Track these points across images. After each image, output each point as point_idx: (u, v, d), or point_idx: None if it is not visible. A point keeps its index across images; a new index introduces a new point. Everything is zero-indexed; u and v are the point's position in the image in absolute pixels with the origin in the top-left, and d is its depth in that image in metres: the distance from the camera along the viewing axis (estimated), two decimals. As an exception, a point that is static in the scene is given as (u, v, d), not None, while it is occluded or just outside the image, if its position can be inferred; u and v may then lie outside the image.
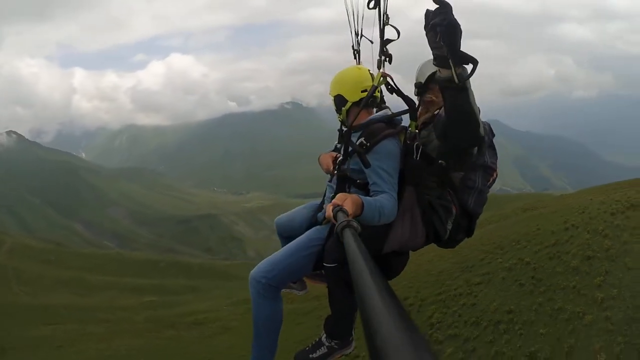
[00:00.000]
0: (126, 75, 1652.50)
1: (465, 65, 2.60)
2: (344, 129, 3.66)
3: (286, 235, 4.19)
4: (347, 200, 2.76)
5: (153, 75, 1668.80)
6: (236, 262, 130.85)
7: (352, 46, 4.09)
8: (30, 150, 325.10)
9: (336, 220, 2.40)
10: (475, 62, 2.56)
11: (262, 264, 3.57)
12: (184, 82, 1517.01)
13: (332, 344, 3.80)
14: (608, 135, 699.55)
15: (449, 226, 3.43)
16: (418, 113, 3.53)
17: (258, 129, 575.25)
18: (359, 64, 4.06)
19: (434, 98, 3.64)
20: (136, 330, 33.43)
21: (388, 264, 3.58)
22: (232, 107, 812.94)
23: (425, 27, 2.52)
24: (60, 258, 63.34)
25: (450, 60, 2.55)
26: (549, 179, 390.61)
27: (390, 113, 3.59)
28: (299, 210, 4.19)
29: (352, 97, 3.53)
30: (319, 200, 4.04)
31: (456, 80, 2.60)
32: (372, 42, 3.63)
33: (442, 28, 2.41)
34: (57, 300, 39.28)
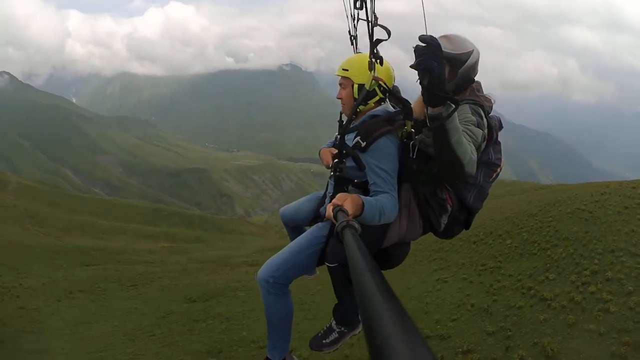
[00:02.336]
0: (123, 21, 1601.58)
1: (452, 105, 2.57)
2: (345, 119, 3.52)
3: (292, 225, 4.32)
4: (347, 200, 2.80)
5: (151, 23, 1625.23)
6: (233, 217, 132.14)
7: (349, 31, 3.78)
8: (23, 92, 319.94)
9: (336, 220, 2.43)
10: (456, 104, 2.56)
11: (268, 264, 3.67)
12: (182, 33, 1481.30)
13: (342, 329, 4.00)
14: (600, 143, 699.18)
15: (444, 220, 3.42)
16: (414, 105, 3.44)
17: (254, 88, 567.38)
18: (356, 50, 3.88)
19: None
20: (196, 269, 33.52)
21: (388, 255, 3.64)
22: (230, 63, 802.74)
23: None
24: (65, 201, 64.42)
25: (425, 102, 2.55)
26: (536, 174, 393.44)
27: (389, 108, 3.50)
28: (302, 202, 4.23)
29: (371, 88, 3.35)
30: (321, 192, 4.05)
31: (427, 122, 2.66)
32: (367, 21, 3.01)
33: (420, 72, 2.42)
34: (79, 242, 40.18)
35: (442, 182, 3.33)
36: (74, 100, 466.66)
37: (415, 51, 2.40)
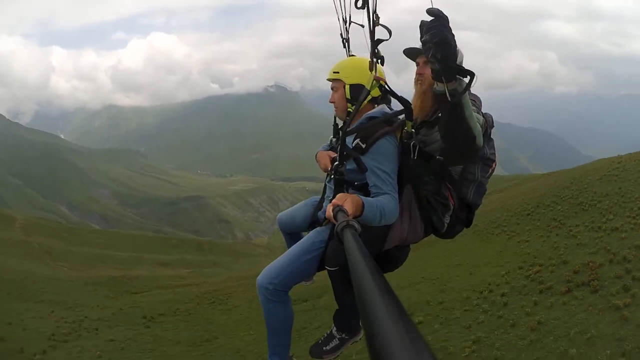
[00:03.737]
0: (106, 54, 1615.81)
1: (463, 78, 2.53)
2: (339, 123, 3.61)
3: (289, 231, 4.29)
4: (347, 200, 2.77)
5: (134, 54, 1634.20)
6: (239, 241, 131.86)
7: (341, 34, 3.83)
8: (10, 130, 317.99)
9: (336, 220, 2.38)
10: (472, 76, 2.51)
11: (267, 271, 3.66)
12: (166, 62, 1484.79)
13: (343, 335, 4.00)
14: (586, 131, 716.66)
15: (447, 220, 3.45)
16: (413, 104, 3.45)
17: (241, 111, 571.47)
18: (349, 53, 3.91)
19: (419, 74, 3.53)
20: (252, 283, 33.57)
21: (389, 257, 3.66)
22: (215, 89, 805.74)
23: (421, 39, 2.44)
24: (73, 236, 62.91)
25: (442, 77, 2.48)
26: (528, 169, 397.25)
27: (387, 109, 3.50)
28: (299, 207, 4.22)
29: (374, 91, 3.37)
30: (318, 197, 4.02)
31: (448, 97, 2.55)
32: (362, 27, 3.30)
33: (434, 45, 2.34)
34: (106, 273, 39.15)
35: (446, 178, 3.40)
36: (62, 136, 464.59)
37: (422, 26, 2.38)
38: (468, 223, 3.70)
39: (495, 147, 3.62)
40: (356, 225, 2.04)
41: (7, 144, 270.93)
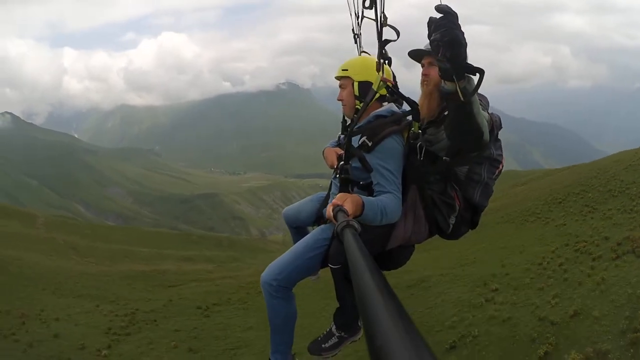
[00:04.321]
0: (117, 54, 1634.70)
1: (471, 76, 2.51)
2: (348, 120, 3.60)
3: (295, 225, 4.27)
4: (347, 200, 2.75)
5: (145, 54, 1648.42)
6: (256, 238, 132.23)
7: (352, 30, 3.81)
8: (26, 131, 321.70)
9: (336, 220, 2.38)
10: (481, 73, 2.48)
11: (272, 267, 3.63)
12: (177, 62, 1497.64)
13: (342, 334, 3.96)
14: (600, 125, 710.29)
15: (452, 221, 3.41)
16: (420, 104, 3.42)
17: (253, 109, 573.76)
18: (360, 49, 3.92)
19: (425, 75, 3.42)
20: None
21: (391, 256, 3.62)
22: (226, 87, 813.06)
23: (429, 37, 2.41)
24: (95, 232, 63.06)
25: (453, 75, 2.44)
26: (541, 164, 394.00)
27: (395, 107, 3.49)
28: (305, 202, 4.20)
29: (380, 89, 3.37)
30: (324, 193, 4.02)
31: (461, 97, 2.52)
32: (376, 21, 3.14)
33: (444, 44, 2.31)
34: (135, 268, 39.01)
35: (451, 179, 3.37)
36: (75, 136, 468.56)
37: (430, 24, 2.37)
38: (473, 224, 3.63)
39: (502, 148, 3.51)
40: (356, 225, 2.04)
41: (22, 145, 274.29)
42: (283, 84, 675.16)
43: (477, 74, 2.52)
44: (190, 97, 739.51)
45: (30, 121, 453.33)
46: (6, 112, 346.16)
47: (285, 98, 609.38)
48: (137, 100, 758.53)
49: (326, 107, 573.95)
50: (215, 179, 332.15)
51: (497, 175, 3.54)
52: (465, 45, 2.34)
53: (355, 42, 3.88)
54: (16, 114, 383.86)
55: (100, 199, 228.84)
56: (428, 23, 2.36)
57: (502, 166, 3.55)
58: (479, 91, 3.11)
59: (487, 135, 2.85)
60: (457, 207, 3.37)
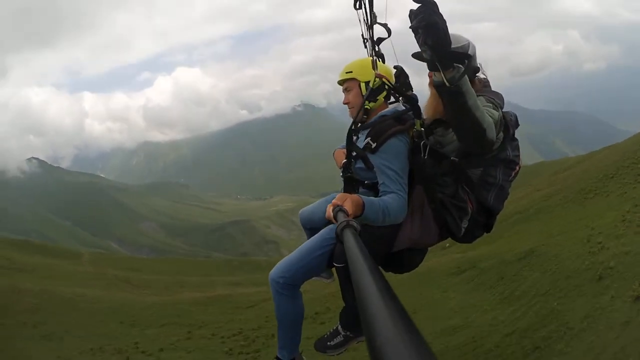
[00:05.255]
0: (135, 94, 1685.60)
1: (461, 65, 2.42)
2: (357, 124, 3.59)
3: (309, 227, 4.33)
4: (347, 200, 2.73)
5: (161, 91, 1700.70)
6: None
7: (362, 34, 3.68)
8: (53, 174, 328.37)
9: (336, 220, 2.38)
10: (467, 58, 2.44)
11: (280, 265, 3.72)
12: (193, 95, 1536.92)
13: (347, 333, 4.02)
14: (620, 105, 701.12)
15: (464, 224, 3.31)
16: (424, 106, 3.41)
17: (273, 133, 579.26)
18: (373, 55, 3.67)
19: (431, 76, 3.05)
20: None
21: (400, 260, 3.57)
22: (244, 115, 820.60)
23: (410, 28, 2.34)
24: (141, 265, 63.10)
25: (437, 64, 2.38)
26: (566, 153, 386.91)
27: (401, 107, 3.46)
28: (320, 203, 4.27)
29: (376, 85, 3.43)
30: (337, 194, 3.56)
31: (447, 83, 2.42)
32: (385, 26, 3.35)
33: (422, 30, 2.22)
34: (198, 295, 38.53)
35: (462, 181, 3.32)
36: (102, 176, 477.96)
37: (410, 15, 2.30)
38: (488, 228, 3.56)
39: (519, 148, 3.45)
40: (356, 225, 2.02)
41: (52, 188, 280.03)
42: (298, 105, 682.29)
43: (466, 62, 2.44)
44: (210, 128, 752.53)
45: (57, 165, 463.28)
46: (33, 158, 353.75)
47: (302, 119, 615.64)
48: (159, 136, 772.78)
49: (343, 123, 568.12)
50: (243, 205, 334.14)
51: (514, 177, 3.44)
52: (444, 30, 2.22)
53: (365, 47, 3.79)
54: (42, 158, 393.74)
55: (133, 234, 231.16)
56: (409, 15, 2.27)
57: (519, 167, 3.45)
58: (494, 89, 3.40)
59: (491, 133, 2.75)
60: (470, 211, 3.30)
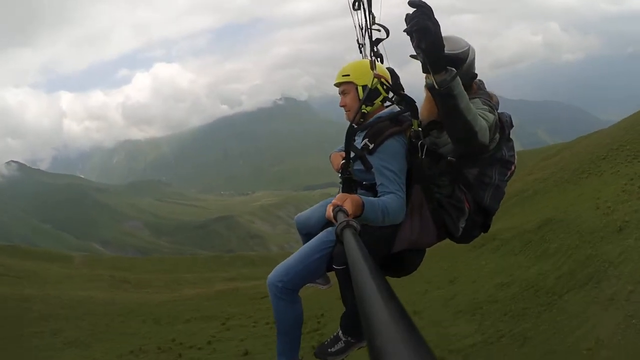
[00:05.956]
0: (113, 92, 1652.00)
1: (454, 69, 2.48)
2: (355, 126, 3.56)
3: (305, 232, 4.28)
4: (347, 201, 2.72)
5: (140, 88, 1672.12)
6: (283, 252, 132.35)
7: (357, 40, 3.82)
8: (33, 177, 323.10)
9: (336, 220, 2.38)
10: (459, 63, 2.53)
11: (278, 269, 3.69)
12: (173, 91, 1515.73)
13: (348, 338, 3.95)
14: (599, 94, 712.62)
15: (462, 224, 3.33)
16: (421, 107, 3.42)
17: (254, 128, 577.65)
18: (364, 57, 3.87)
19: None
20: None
21: (401, 262, 3.58)
22: (225, 109, 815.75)
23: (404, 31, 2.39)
24: (133, 265, 63.32)
25: (428, 67, 2.45)
26: (547, 142, 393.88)
27: (397, 109, 3.48)
28: (316, 208, 4.26)
29: (374, 86, 3.41)
30: (333, 198, 3.66)
31: (436, 86, 2.49)
32: (386, 30, 3.33)
33: (415, 34, 2.28)
34: (199, 291, 39.25)
35: (459, 181, 3.33)
36: (82, 177, 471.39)
37: (406, 18, 2.34)
38: (485, 228, 3.59)
39: (515, 148, 3.52)
40: (355, 225, 2.02)
41: (31, 191, 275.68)
42: (279, 99, 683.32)
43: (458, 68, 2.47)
44: (190, 124, 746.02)
45: (36, 167, 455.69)
46: (11, 161, 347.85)
47: (283, 113, 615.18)
48: (139, 134, 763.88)
49: (325, 117, 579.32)
50: (226, 201, 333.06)
51: (509, 177, 3.48)
52: (437, 34, 2.28)
53: (361, 52, 3.90)
54: (21, 161, 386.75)
55: (117, 235, 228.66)
56: (405, 19, 2.32)
57: (515, 167, 3.51)
58: (489, 90, 3.44)
59: (483, 136, 2.77)
60: (467, 211, 3.32)
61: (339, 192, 3.53)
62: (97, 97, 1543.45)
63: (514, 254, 22.08)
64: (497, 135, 3.22)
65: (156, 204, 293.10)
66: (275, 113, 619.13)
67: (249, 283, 42.09)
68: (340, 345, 3.98)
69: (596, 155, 33.61)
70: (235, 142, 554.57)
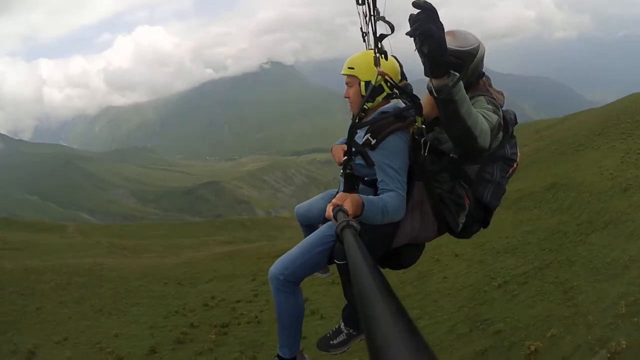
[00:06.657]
0: (94, 57, 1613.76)
1: (457, 73, 2.47)
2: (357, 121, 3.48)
3: (306, 223, 4.31)
4: (347, 200, 2.75)
5: (122, 52, 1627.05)
6: (275, 216, 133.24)
7: (361, 28, 3.64)
8: (16, 148, 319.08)
9: (336, 220, 2.39)
10: (459, 70, 2.52)
11: (280, 262, 3.71)
12: (156, 55, 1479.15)
13: (350, 331, 4.01)
14: (588, 76, 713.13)
15: (462, 220, 3.34)
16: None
17: (240, 92, 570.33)
18: (368, 47, 3.77)
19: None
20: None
21: (399, 256, 3.61)
22: (210, 74, 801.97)
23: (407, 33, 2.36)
24: (127, 231, 63.95)
25: (429, 72, 2.44)
26: (533, 118, 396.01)
27: (400, 105, 3.44)
28: (316, 200, 4.24)
29: (378, 83, 3.34)
30: (334, 190, 4.04)
31: (434, 93, 2.49)
32: (370, 16, 3.02)
33: (418, 37, 2.28)
34: (199, 254, 39.83)
35: (460, 177, 3.30)
36: (65, 145, 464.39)
37: (409, 20, 2.29)
38: (485, 223, 3.59)
39: (517, 146, 3.52)
40: (355, 225, 2.03)
41: (15, 163, 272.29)
42: (266, 63, 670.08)
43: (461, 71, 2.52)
44: (175, 89, 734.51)
45: (18, 138, 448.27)
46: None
47: (270, 77, 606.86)
48: (121, 100, 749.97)
49: (312, 82, 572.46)
50: (213, 167, 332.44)
51: (511, 174, 3.49)
52: (439, 38, 2.26)
53: (364, 41, 3.81)
54: (3, 133, 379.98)
55: (104, 203, 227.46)
56: (409, 19, 2.30)
57: (517, 165, 3.51)
58: (496, 87, 3.47)
59: (483, 141, 2.76)
60: (467, 206, 3.34)
61: (339, 190, 3.69)
62: (78, 63, 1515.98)
63: (529, 209, 24.82)
64: (500, 134, 3.22)
65: (141, 171, 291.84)
66: (262, 77, 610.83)
67: (249, 245, 43.40)
68: (342, 337, 4.04)
69: (591, 131, 35.79)
70: (221, 107, 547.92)
